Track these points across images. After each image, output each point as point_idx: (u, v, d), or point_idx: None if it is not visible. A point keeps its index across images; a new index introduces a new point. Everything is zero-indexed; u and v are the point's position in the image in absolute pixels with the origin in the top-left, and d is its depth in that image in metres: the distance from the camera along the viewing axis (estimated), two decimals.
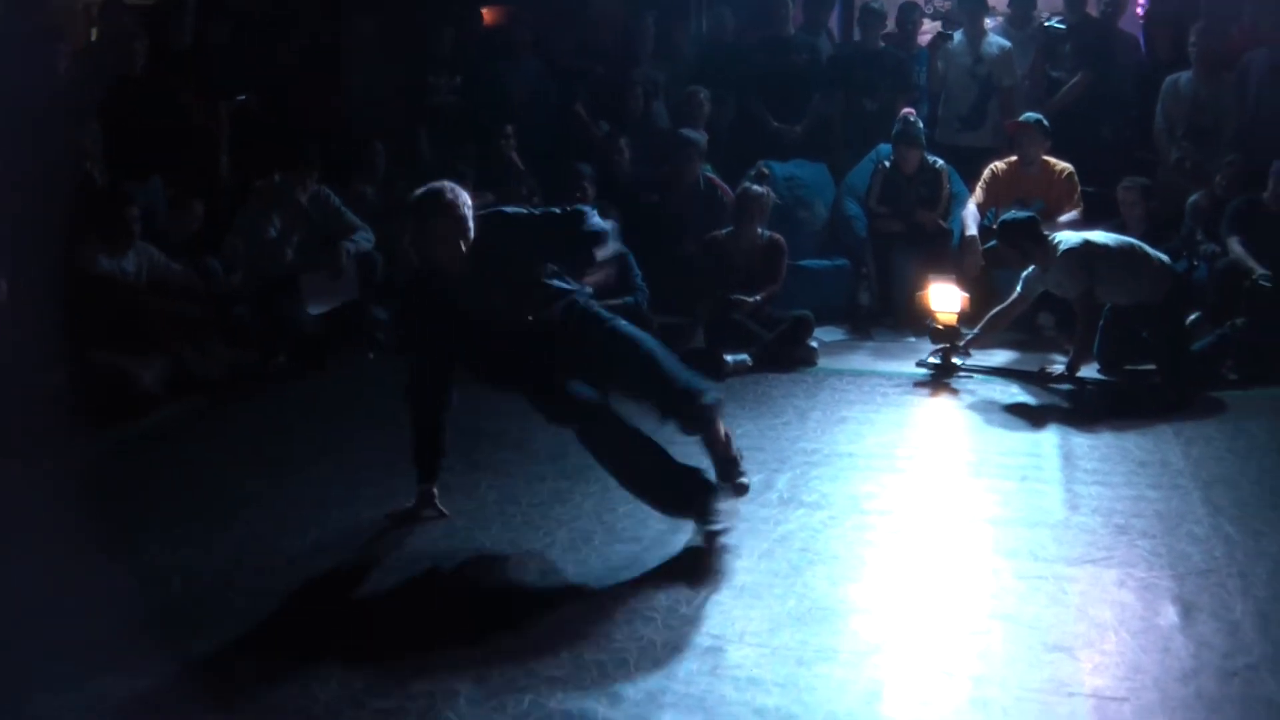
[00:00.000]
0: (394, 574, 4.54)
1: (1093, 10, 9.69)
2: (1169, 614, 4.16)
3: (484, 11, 10.43)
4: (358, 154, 8.81)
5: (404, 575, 4.53)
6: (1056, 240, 7.13)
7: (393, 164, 8.89)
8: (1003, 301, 7.47)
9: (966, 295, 7.54)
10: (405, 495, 5.19)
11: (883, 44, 9.82)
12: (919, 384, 7.19)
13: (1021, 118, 8.50)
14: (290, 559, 4.68)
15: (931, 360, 7.41)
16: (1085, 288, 7.07)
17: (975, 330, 7.40)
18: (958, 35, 9.51)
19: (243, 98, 8.75)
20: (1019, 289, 7.40)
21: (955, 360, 7.36)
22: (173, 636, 4.03)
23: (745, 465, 5.21)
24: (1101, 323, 7.37)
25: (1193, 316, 7.48)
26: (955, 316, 7.39)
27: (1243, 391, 6.99)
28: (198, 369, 7.12)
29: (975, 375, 7.34)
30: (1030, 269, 7.29)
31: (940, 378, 7.29)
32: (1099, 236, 7.23)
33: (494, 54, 9.74)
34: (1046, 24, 9.59)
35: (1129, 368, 7.35)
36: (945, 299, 7.44)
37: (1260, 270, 7.29)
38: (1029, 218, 7.32)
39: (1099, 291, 7.10)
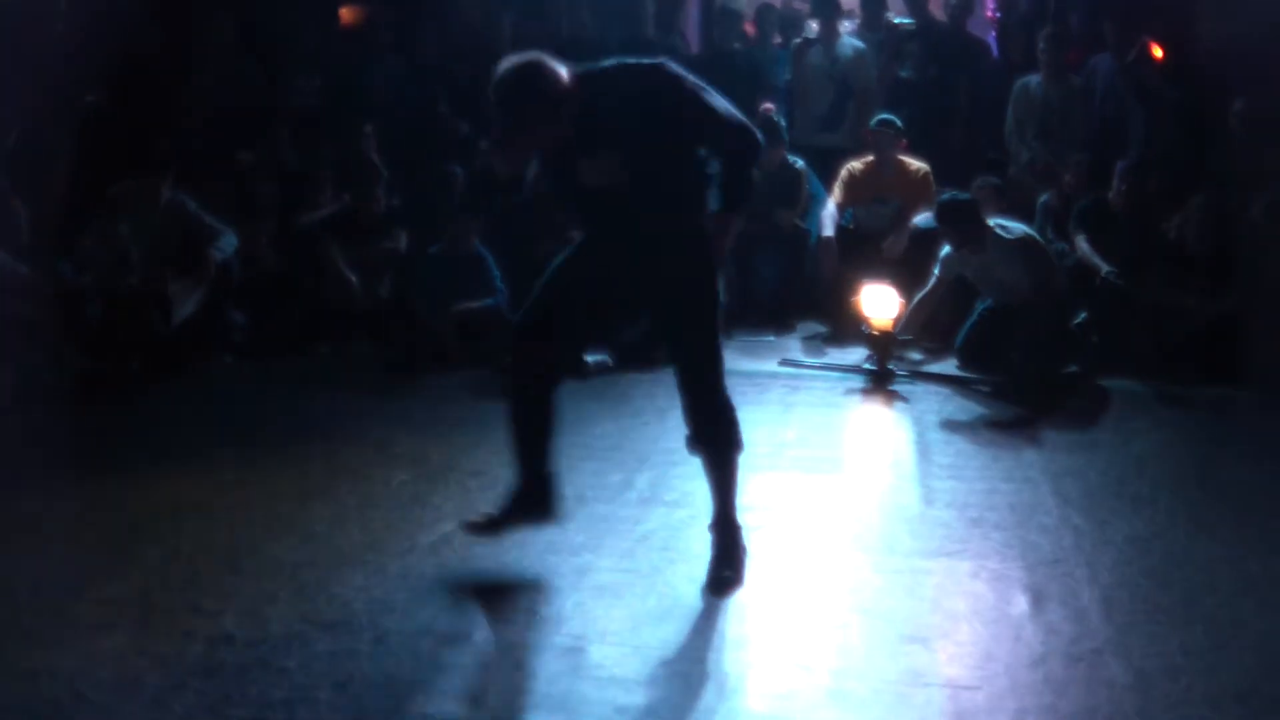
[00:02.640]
0: (251, 580, 4.46)
1: (941, 14, 9.90)
2: (1020, 603, 4.26)
3: (344, 11, 10.31)
4: (216, 152, 8.65)
5: (261, 582, 4.46)
6: (1001, 227, 7.24)
7: (251, 165, 8.75)
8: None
9: (903, 300, 7.43)
10: (261, 499, 5.14)
11: (738, 45, 9.94)
12: (776, 382, 7.25)
13: (873, 122, 8.62)
14: (145, 567, 4.57)
15: (867, 367, 7.36)
16: (1038, 278, 7.21)
17: (903, 322, 7.44)
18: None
19: (92, 98, 8.54)
20: (937, 270, 7.50)
21: (890, 367, 7.30)
22: (18, 651, 3.91)
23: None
24: (973, 320, 7.53)
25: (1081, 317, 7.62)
26: (891, 322, 7.29)
27: (1089, 385, 7.18)
28: (48, 375, 6.94)
29: (833, 374, 7.43)
30: (947, 250, 7.39)
31: (878, 385, 7.20)
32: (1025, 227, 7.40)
33: (355, 54, 9.64)
34: (895, 22, 9.74)
35: (985, 365, 7.48)
36: (880, 304, 7.32)
37: (1107, 268, 7.48)
38: (970, 199, 7.38)
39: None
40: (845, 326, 8.22)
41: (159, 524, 4.99)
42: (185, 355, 7.55)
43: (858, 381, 7.25)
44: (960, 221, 7.19)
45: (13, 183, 7.65)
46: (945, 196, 7.41)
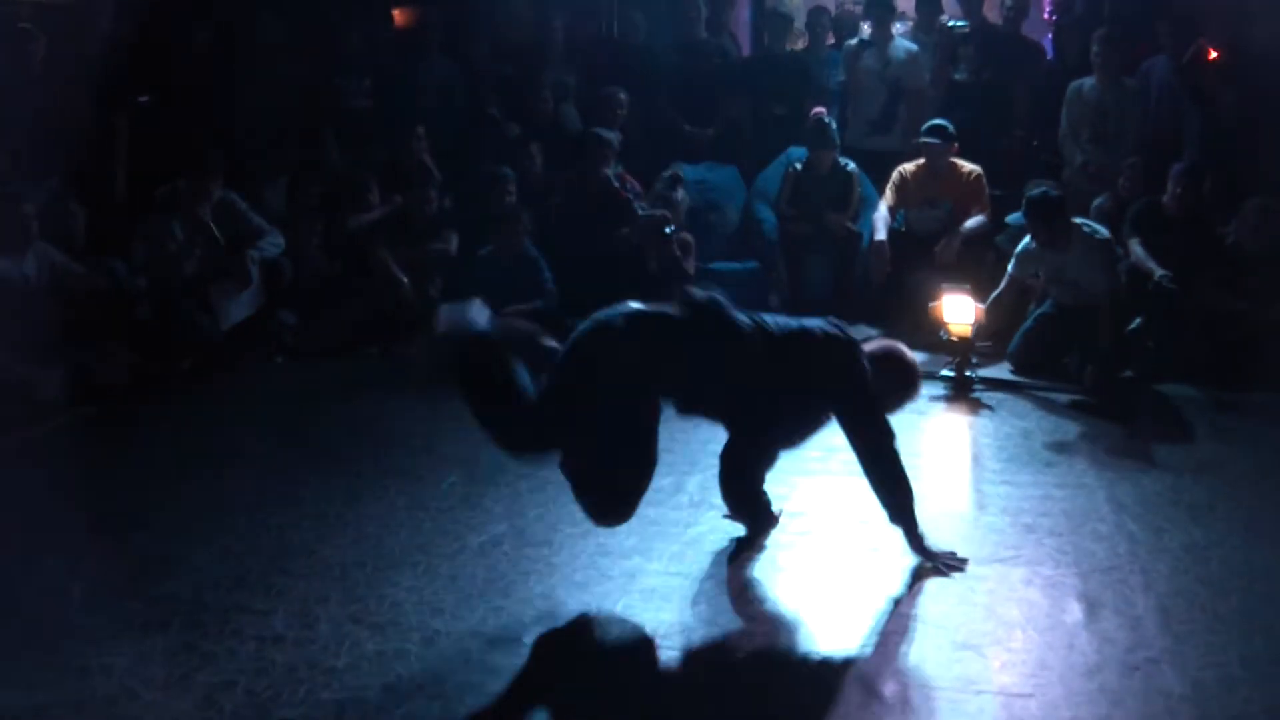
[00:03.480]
0: (301, 580, 4.48)
1: (995, 16, 9.84)
2: (1074, 611, 4.22)
3: (395, 13, 10.35)
4: (266, 154, 8.70)
5: (311, 582, 4.47)
6: (1087, 226, 7.21)
7: (301, 166, 8.79)
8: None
9: (981, 306, 7.25)
10: (311, 500, 5.18)
11: (789, 49, 9.93)
12: None
13: (923, 131, 8.53)
14: (196, 566, 4.60)
15: (945, 374, 7.26)
16: (1113, 281, 7.16)
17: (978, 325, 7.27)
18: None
19: (145, 99, 8.60)
20: (1011, 268, 7.44)
21: (968, 374, 7.18)
22: (72, 648, 3.94)
23: None
24: (1028, 324, 7.47)
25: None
26: (970, 328, 7.12)
27: (1145, 391, 7.11)
28: (101, 375, 6.99)
29: None
30: (1025, 245, 7.34)
31: (958, 393, 7.07)
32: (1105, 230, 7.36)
33: (404, 56, 9.68)
34: (949, 24, 9.69)
35: (1041, 371, 7.39)
36: (959, 310, 7.16)
37: (1160, 272, 7.39)
38: (1060, 196, 7.31)
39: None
40: (897, 329, 8.18)
41: (209, 523, 5.02)
42: (236, 356, 7.59)
43: (937, 388, 7.13)
44: (1051, 218, 7.12)
45: (69, 185, 7.72)
46: (1036, 192, 7.30)
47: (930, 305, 7.33)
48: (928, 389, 7.06)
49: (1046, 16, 10.70)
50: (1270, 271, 7.40)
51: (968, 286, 7.35)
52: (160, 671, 3.80)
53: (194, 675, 3.77)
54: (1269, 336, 7.22)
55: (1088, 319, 7.20)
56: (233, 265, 7.63)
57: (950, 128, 8.45)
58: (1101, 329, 7.12)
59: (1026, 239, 7.38)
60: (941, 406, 6.89)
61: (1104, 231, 7.28)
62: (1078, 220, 7.24)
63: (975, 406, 6.82)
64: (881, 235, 8.27)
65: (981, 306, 7.25)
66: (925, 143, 8.43)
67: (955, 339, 7.17)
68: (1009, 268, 7.46)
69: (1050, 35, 10.43)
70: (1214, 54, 8.40)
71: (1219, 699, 3.62)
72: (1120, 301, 7.19)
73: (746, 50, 10.81)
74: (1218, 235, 7.76)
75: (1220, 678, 3.74)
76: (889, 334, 8.09)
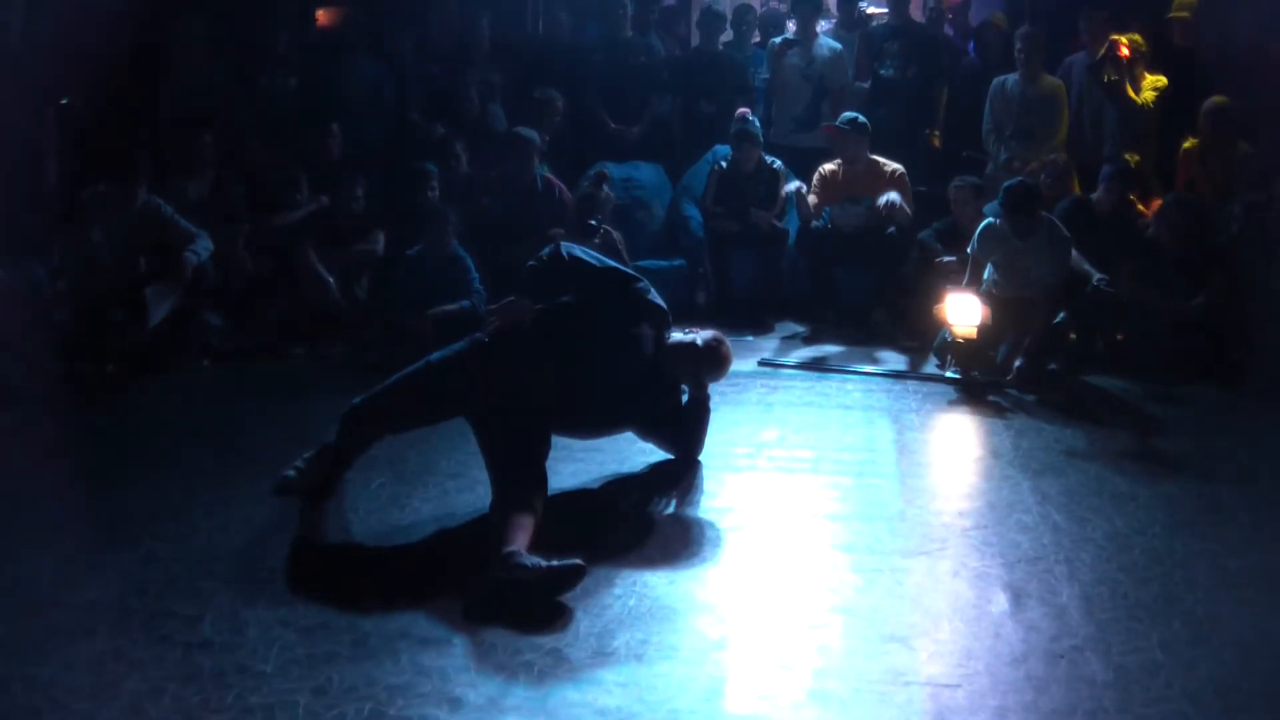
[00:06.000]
0: (230, 585, 4.44)
1: (919, 16, 9.95)
2: (1000, 601, 4.27)
3: (320, 13, 10.29)
4: (184, 148, 8.60)
5: (240, 586, 4.43)
6: (1055, 221, 7.30)
7: (225, 167, 8.70)
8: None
9: (987, 308, 7.19)
10: (238, 503, 5.13)
11: (721, 46, 9.97)
12: (755, 382, 7.24)
13: (837, 120, 8.61)
14: (122, 572, 4.54)
15: (950, 375, 7.27)
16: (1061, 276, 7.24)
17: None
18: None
19: (65, 101, 8.47)
20: (972, 250, 7.49)
21: (974, 374, 7.17)
22: None
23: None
24: None
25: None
26: (975, 330, 7.07)
27: (1069, 382, 7.20)
28: (21, 381, 6.88)
29: (811, 373, 7.44)
30: (987, 224, 7.40)
31: (971, 394, 7.02)
32: None
33: (330, 56, 9.62)
34: (866, 11, 9.78)
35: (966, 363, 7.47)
36: (964, 312, 7.11)
37: (1099, 276, 7.46)
38: (1036, 185, 7.40)
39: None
40: (824, 325, 8.30)
41: (135, 529, 4.94)
42: (161, 359, 7.49)
43: (948, 391, 7.15)
44: (1026, 208, 7.18)
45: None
46: (1014, 181, 7.36)
47: (935, 307, 7.40)
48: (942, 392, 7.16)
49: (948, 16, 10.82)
50: (1189, 266, 7.52)
51: (973, 287, 7.38)
52: (86, 680, 3.74)
53: (121, 683, 3.72)
54: (1187, 328, 7.35)
55: (1021, 312, 7.28)
56: (172, 266, 7.50)
57: (861, 119, 8.49)
58: (1036, 321, 7.19)
59: (989, 220, 7.44)
60: (837, 398, 6.97)
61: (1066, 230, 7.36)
62: (1045, 214, 7.32)
63: (978, 408, 6.84)
64: (797, 185, 8.39)
65: (987, 308, 7.21)
66: (833, 128, 8.50)
67: (960, 340, 7.15)
68: (970, 250, 7.50)
69: (973, 33, 10.53)
70: (1125, 51, 8.50)
71: (1141, 683, 3.69)
72: (1057, 297, 7.26)
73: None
74: (1136, 229, 7.87)
75: (1142, 663, 3.81)
76: (817, 330, 8.22)
